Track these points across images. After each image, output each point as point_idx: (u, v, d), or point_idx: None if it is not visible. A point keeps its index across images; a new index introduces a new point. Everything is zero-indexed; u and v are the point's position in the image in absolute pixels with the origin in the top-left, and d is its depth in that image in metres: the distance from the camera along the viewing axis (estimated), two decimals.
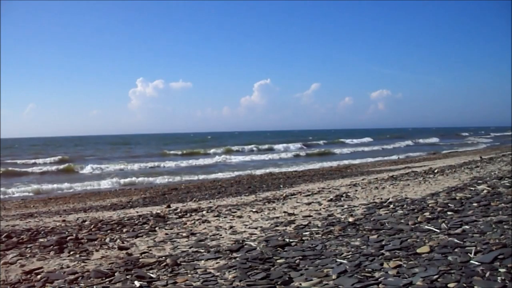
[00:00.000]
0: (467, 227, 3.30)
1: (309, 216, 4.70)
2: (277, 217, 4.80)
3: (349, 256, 2.83)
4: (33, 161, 29.27)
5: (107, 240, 4.12)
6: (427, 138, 53.15)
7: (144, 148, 46.24)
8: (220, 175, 18.35)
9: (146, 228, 4.70)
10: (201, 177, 18.09)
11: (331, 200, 5.87)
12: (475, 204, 4.22)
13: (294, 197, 6.83)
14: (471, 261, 2.44)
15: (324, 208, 5.19)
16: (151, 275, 2.79)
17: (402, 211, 4.34)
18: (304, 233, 3.71)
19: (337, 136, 67.63)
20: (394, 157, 26.28)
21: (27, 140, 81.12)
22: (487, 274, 2.20)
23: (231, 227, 4.46)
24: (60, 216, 7.16)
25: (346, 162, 23.30)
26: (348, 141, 51.90)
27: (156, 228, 4.63)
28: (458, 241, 2.89)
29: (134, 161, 27.48)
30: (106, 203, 10.01)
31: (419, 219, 3.76)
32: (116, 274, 2.87)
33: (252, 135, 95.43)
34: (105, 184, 16.68)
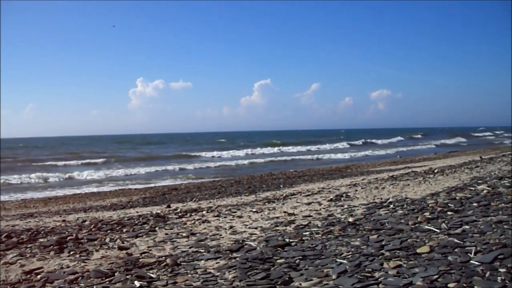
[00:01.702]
0: (467, 227, 3.30)
1: (309, 216, 4.70)
2: (277, 217, 4.80)
3: (349, 256, 2.83)
4: (73, 162, 28.71)
5: (107, 240, 4.12)
6: (450, 138, 52.81)
7: (168, 148, 45.64)
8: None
9: (146, 228, 4.70)
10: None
11: (331, 200, 5.87)
12: (475, 204, 4.22)
13: (294, 197, 6.83)
14: (471, 261, 2.44)
15: (324, 208, 5.19)
16: (151, 275, 2.79)
17: (402, 211, 4.34)
18: (304, 233, 3.71)
19: (354, 136, 66.94)
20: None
21: (30, 140, 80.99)
22: (487, 274, 2.20)
23: (231, 227, 4.46)
24: (60, 216, 7.16)
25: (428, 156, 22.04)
26: (379, 141, 51.01)
27: (156, 228, 4.64)
28: (458, 241, 2.89)
29: (182, 162, 27.07)
30: (106, 203, 10.02)
31: (419, 219, 3.76)
32: (116, 274, 2.87)
33: (260, 135, 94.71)
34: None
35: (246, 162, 26.90)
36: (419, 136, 65.76)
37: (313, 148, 40.80)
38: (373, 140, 52.16)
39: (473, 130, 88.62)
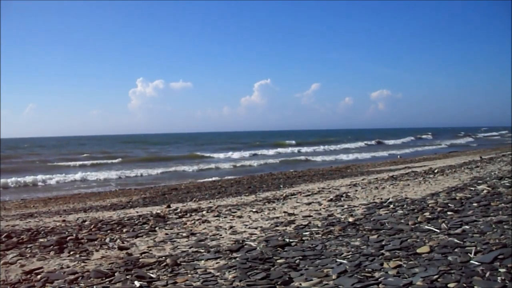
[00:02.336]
0: (467, 227, 3.30)
1: (309, 216, 4.70)
2: (277, 217, 4.80)
3: (349, 256, 2.83)
4: (86, 162, 27.72)
5: (107, 240, 4.12)
6: (459, 138, 52.61)
7: (177, 149, 44.53)
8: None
9: (146, 228, 4.70)
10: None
11: (331, 200, 5.87)
12: (475, 204, 4.22)
13: (294, 197, 6.83)
14: (471, 261, 2.44)
15: (324, 208, 5.19)
16: (151, 275, 2.79)
17: (402, 211, 4.34)
18: (304, 233, 3.71)
19: (362, 136, 66.49)
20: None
21: (32, 140, 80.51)
22: (487, 274, 2.20)
23: (231, 227, 4.46)
24: (60, 216, 7.15)
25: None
26: (391, 141, 50.08)
27: (156, 228, 4.63)
28: (458, 241, 2.89)
29: (199, 163, 26.20)
30: (106, 203, 10.01)
31: (419, 219, 3.76)
32: (116, 274, 2.87)
33: (261, 135, 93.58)
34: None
35: (262, 162, 25.84)
36: (429, 136, 65.47)
37: (330, 147, 40.24)
38: (386, 141, 51.28)
39: (476, 130, 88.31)
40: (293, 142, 51.71)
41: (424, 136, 64.15)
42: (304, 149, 38.76)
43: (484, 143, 42.39)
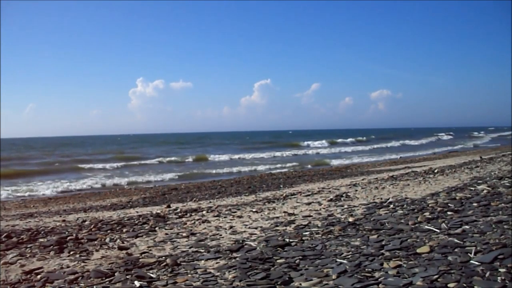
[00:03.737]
0: (467, 227, 3.30)
1: (309, 216, 4.70)
2: (277, 217, 4.80)
3: (349, 256, 2.83)
4: (120, 163, 25.86)
5: (107, 240, 4.12)
6: (478, 139, 52.39)
7: (195, 148, 43.06)
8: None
9: (146, 228, 4.70)
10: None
11: (331, 200, 5.87)
12: (475, 204, 4.22)
13: (294, 197, 6.83)
14: (471, 261, 2.44)
15: (324, 208, 5.19)
16: (151, 275, 2.79)
17: (402, 211, 4.34)
18: (304, 233, 3.71)
19: (378, 136, 65.91)
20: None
21: (36, 140, 79.92)
22: (487, 274, 2.20)
23: (231, 227, 4.46)
24: (60, 216, 7.16)
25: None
26: (412, 142, 48.79)
27: (156, 228, 4.63)
28: (458, 241, 2.89)
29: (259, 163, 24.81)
30: (106, 203, 10.02)
31: (419, 219, 3.76)
32: (116, 274, 2.87)
33: (262, 135, 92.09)
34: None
35: (294, 164, 22.94)
36: (449, 135, 64.63)
37: (362, 148, 39.13)
38: (411, 142, 49.40)
39: (484, 130, 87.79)
40: (324, 141, 49.89)
41: (445, 137, 62.52)
42: (345, 149, 37.68)
43: (505, 142, 41.21)
